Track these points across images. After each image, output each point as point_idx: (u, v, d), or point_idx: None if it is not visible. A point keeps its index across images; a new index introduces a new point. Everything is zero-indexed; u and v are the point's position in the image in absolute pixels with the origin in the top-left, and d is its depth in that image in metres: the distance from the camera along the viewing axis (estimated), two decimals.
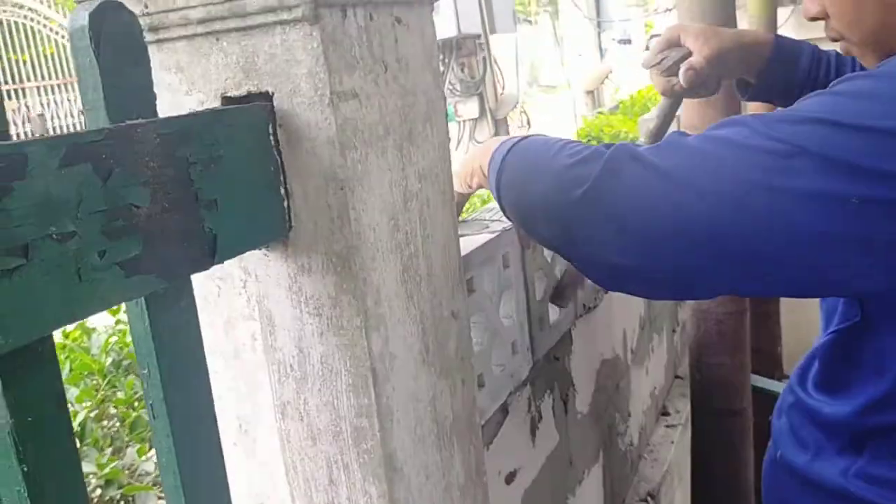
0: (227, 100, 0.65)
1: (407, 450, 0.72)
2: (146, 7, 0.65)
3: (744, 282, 0.76)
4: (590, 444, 1.49)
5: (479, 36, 6.46)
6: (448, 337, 0.80)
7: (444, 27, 5.67)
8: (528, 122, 10.14)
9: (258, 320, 0.71)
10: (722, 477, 1.70)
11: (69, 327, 1.51)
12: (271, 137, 0.64)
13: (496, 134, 6.83)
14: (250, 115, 0.63)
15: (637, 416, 1.89)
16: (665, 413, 2.14)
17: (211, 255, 0.57)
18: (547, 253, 1.25)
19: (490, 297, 1.05)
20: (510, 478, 1.11)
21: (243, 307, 0.71)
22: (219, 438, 0.60)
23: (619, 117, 4.49)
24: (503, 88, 7.38)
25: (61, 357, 1.45)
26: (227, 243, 0.59)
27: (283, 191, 0.65)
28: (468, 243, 1.02)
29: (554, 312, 1.29)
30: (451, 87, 6.51)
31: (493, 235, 1.06)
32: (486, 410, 1.02)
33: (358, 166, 0.65)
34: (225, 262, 0.68)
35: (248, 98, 0.64)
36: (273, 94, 0.63)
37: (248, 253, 0.69)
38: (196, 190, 0.55)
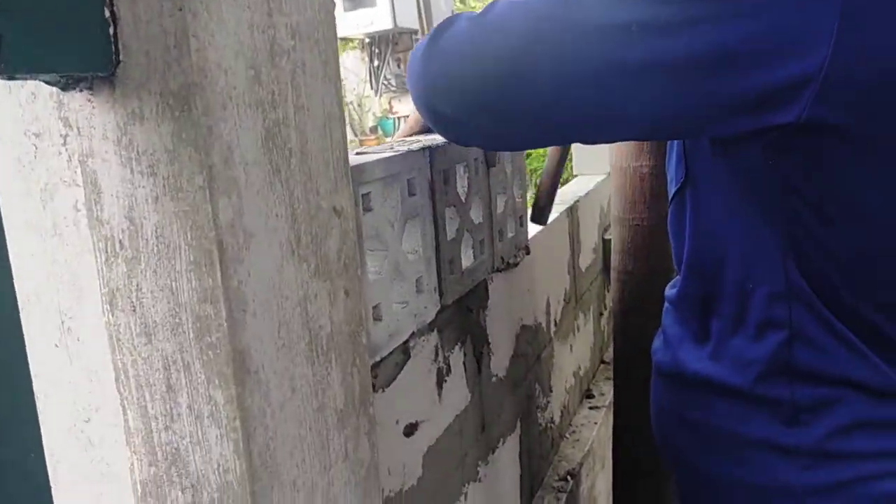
0: None
1: (267, 353, 0.60)
2: None
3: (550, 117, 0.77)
4: (506, 411, 1.39)
5: (416, 31, 6.34)
6: (328, 234, 0.68)
7: (380, 20, 5.55)
8: None
9: (82, 186, 0.58)
10: (646, 457, 1.61)
11: None
12: None
13: None
14: None
15: (559, 394, 1.80)
16: (589, 395, 2.05)
17: None
18: (461, 190, 1.14)
19: (391, 222, 0.94)
20: (410, 430, 0.99)
21: (64, 170, 0.58)
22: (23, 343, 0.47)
23: None
24: None
25: None
26: (21, 50, 0.46)
27: (107, 14, 0.53)
28: (365, 158, 0.90)
29: (467, 259, 1.19)
30: (385, 83, 6.39)
31: (394, 153, 0.95)
32: (382, 346, 0.90)
33: None
34: (41, 114, 0.56)
35: None
36: None
37: (69, 100, 0.56)
38: None
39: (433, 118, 0.84)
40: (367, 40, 6.04)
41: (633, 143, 1.37)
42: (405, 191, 0.97)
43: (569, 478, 1.64)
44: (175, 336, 0.57)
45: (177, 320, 0.57)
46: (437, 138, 1.10)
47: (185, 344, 0.57)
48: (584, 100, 0.72)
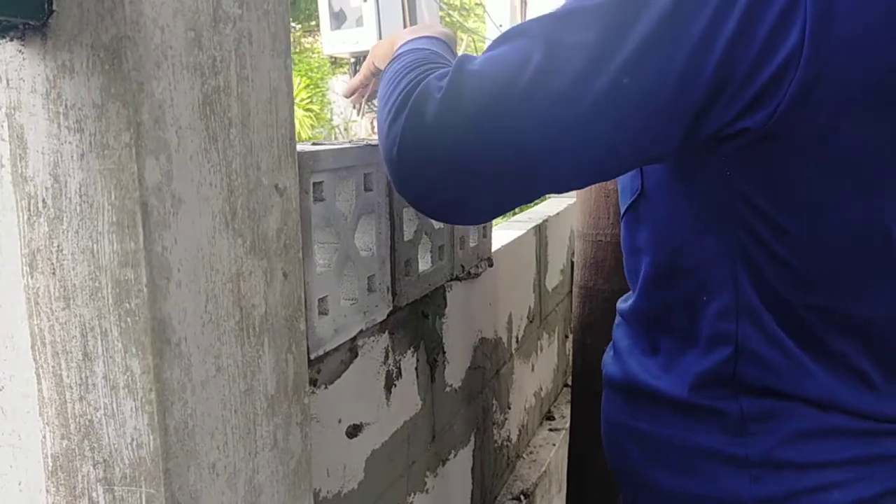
0: None
1: (191, 326, 0.58)
2: None
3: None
4: (460, 423, 1.36)
5: None
6: (267, 211, 0.66)
7: (366, 40, 5.56)
8: None
9: (7, 141, 0.56)
10: (601, 475, 1.58)
11: None
12: None
13: None
14: None
15: (518, 412, 1.77)
16: (550, 417, 2.02)
17: None
18: None
19: (344, 215, 0.92)
20: (353, 431, 0.97)
21: None
22: None
23: None
24: None
25: None
26: None
27: None
28: (320, 147, 0.89)
29: (425, 262, 1.17)
30: (369, 105, 6.38)
31: (353, 145, 0.93)
32: (326, 341, 0.88)
33: None
34: None
35: None
36: None
37: None
38: None
39: (400, 186, 0.75)
40: (352, 60, 6.03)
41: None
42: (361, 185, 0.95)
43: (522, 497, 1.61)
44: (94, 301, 0.55)
45: (96, 284, 0.55)
46: None
47: (103, 310, 0.55)
48: (577, 154, 0.69)
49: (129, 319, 0.54)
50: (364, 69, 1.15)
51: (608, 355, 1.00)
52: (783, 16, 0.65)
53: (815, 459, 0.79)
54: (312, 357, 0.85)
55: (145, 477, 0.57)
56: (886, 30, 0.68)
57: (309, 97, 15.31)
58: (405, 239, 1.08)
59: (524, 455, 1.82)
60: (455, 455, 1.34)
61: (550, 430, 1.96)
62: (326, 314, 0.89)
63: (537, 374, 1.93)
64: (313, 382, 0.87)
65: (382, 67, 1.05)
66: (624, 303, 0.99)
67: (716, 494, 0.82)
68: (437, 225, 1.19)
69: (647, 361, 0.90)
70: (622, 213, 0.94)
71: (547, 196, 2.64)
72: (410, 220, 1.11)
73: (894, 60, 0.69)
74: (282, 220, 0.69)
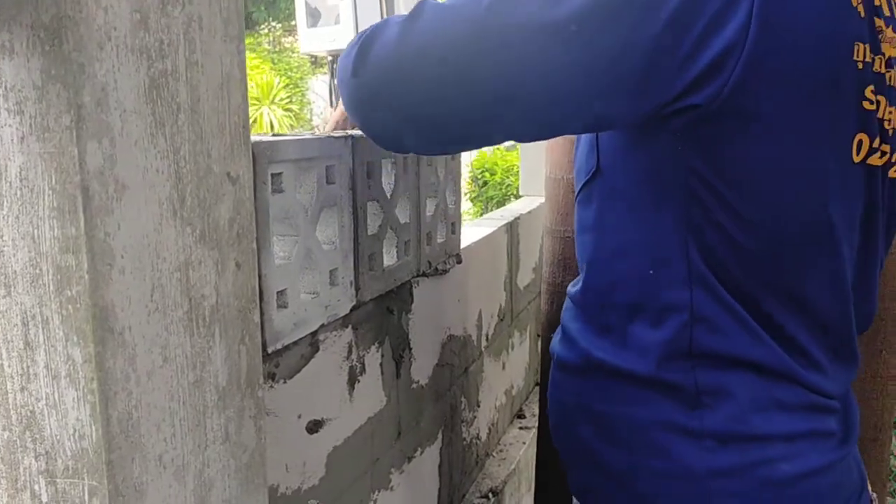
0: None
1: (135, 314, 0.57)
2: None
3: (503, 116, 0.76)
4: (427, 420, 1.35)
5: None
6: (218, 200, 0.65)
7: (342, 38, 5.54)
8: None
9: None
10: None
11: None
12: None
13: None
14: None
15: (488, 410, 1.77)
16: (521, 415, 2.02)
17: None
18: (386, 186, 1.12)
19: (304, 207, 0.91)
20: (314, 427, 0.96)
21: None
22: None
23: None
24: None
25: None
26: None
27: None
28: (280, 137, 0.88)
29: (390, 257, 1.16)
30: None
31: (314, 136, 0.92)
32: (284, 334, 0.87)
33: None
34: None
35: None
36: None
37: None
38: None
39: (365, 123, 0.82)
40: (329, 58, 6.02)
41: (566, 154, 1.37)
42: (323, 178, 0.94)
43: (491, 495, 1.60)
44: (35, 288, 0.54)
45: (37, 271, 0.53)
46: None
47: (44, 297, 0.54)
48: (531, 94, 0.73)
49: (70, 307, 0.53)
50: (338, 114, 1.14)
51: (556, 339, 1.03)
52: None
53: (766, 432, 0.82)
54: (270, 351, 0.84)
55: (88, 469, 0.56)
56: (825, 19, 0.73)
57: (288, 97, 15.25)
58: (369, 233, 1.07)
59: (494, 453, 1.81)
60: (422, 452, 1.34)
61: (521, 428, 1.96)
62: (286, 307, 0.88)
63: (508, 373, 1.93)
64: (271, 376, 0.86)
65: None
66: (574, 287, 1.01)
67: (669, 468, 0.85)
68: (402, 220, 1.19)
69: (601, 340, 0.92)
70: (577, 193, 0.97)
71: (521, 194, 2.64)
72: (375, 215, 1.10)
73: (830, 50, 0.74)
74: (234, 209, 0.67)
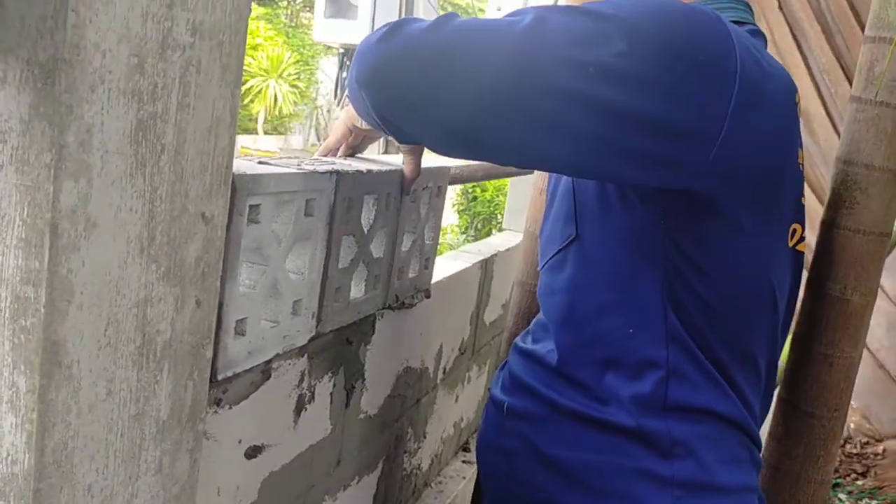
0: None
1: (86, 349, 0.57)
2: None
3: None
4: (369, 450, 1.36)
5: None
6: (189, 239, 0.66)
7: (357, 33, 5.54)
8: None
9: None
10: None
11: None
12: None
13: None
14: None
15: (434, 442, 1.78)
16: (466, 448, 2.03)
17: None
18: (365, 221, 1.13)
19: (278, 238, 0.91)
20: (253, 452, 0.96)
21: None
22: None
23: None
24: None
25: None
26: None
27: None
28: (263, 169, 0.88)
29: (358, 290, 1.17)
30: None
31: (297, 171, 0.93)
32: (237, 363, 0.87)
33: None
34: None
35: None
36: None
37: None
38: None
39: (379, 87, 0.85)
40: (341, 50, 6.03)
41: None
42: (301, 210, 0.95)
43: None
44: None
45: None
46: (352, 163, 1.09)
47: None
48: (536, 115, 0.76)
49: (22, 336, 0.54)
50: (341, 126, 1.13)
51: (501, 386, 1.09)
52: (713, 95, 0.76)
53: (727, 483, 0.91)
54: (220, 378, 0.84)
55: (15, 494, 0.56)
56: (781, 128, 0.85)
57: (297, 73, 15.19)
58: (340, 266, 1.08)
59: (433, 484, 1.82)
60: (359, 481, 1.34)
61: (464, 461, 1.97)
62: (243, 335, 0.88)
63: (460, 405, 1.94)
64: (217, 402, 0.86)
65: (360, 126, 1.07)
66: (535, 344, 1.06)
67: None
68: (376, 254, 1.20)
69: (570, 391, 0.97)
70: (548, 259, 1.03)
71: (504, 227, 2.66)
72: (349, 248, 1.11)
73: (785, 153, 0.87)
74: (203, 248, 0.68)
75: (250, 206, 0.85)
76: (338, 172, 1.01)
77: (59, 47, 0.50)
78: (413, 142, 0.94)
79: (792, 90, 0.89)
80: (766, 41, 0.95)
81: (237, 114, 0.70)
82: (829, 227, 1.22)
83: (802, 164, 0.94)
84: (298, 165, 0.98)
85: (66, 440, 0.57)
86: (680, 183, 0.82)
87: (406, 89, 0.82)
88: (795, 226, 0.94)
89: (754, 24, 0.93)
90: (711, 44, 0.76)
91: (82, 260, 0.55)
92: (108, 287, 0.58)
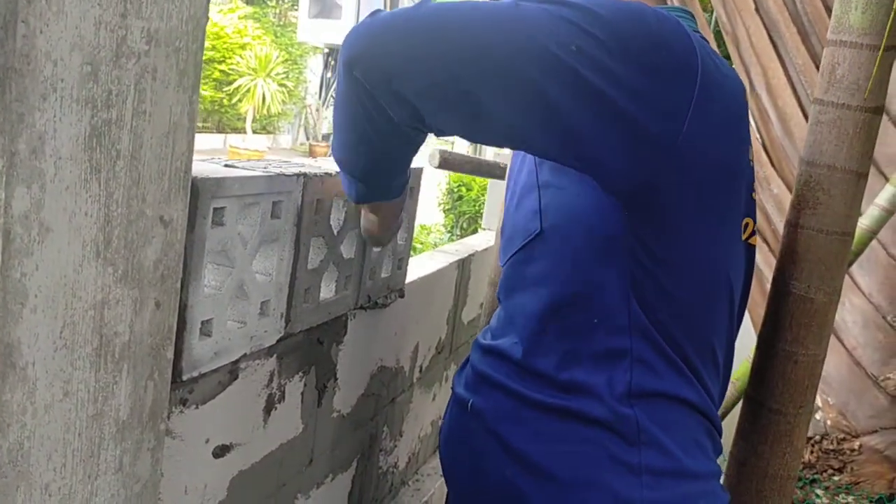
0: None
1: (41, 351, 0.58)
2: None
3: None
4: (343, 448, 1.38)
5: None
6: (147, 242, 0.67)
7: (342, 33, 5.56)
8: None
9: None
10: None
11: None
12: None
13: None
14: None
15: (411, 440, 1.79)
16: None
17: None
18: (335, 223, 1.14)
19: (244, 241, 0.93)
20: (221, 451, 0.97)
21: None
22: None
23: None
24: None
25: None
26: None
27: None
28: (228, 172, 0.89)
29: (328, 291, 1.18)
30: (334, 96, 6.37)
31: (262, 173, 0.94)
32: (202, 363, 0.88)
33: None
34: None
35: None
36: None
37: None
38: None
39: (366, 50, 0.82)
40: (326, 50, 6.04)
41: None
42: (268, 213, 0.96)
43: None
44: None
45: None
46: (321, 165, 1.10)
47: None
48: (527, 82, 0.76)
49: None
50: (361, 217, 1.18)
51: (465, 383, 1.12)
52: (680, 79, 0.81)
53: (693, 469, 0.94)
54: (185, 378, 0.85)
55: None
56: (733, 127, 0.89)
57: (286, 72, 15.18)
58: (309, 267, 1.09)
59: (410, 482, 1.84)
60: (332, 479, 1.36)
61: None
62: (209, 336, 0.89)
63: (437, 404, 1.96)
64: (183, 402, 0.88)
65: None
66: (497, 339, 1.08)
67: (607, 501, 0.92)
68: (347, 255, 1.21)
69: (536, 384, 0.99)
70: (511, 254, 1.05)
71: (483, 227, 2.68)
72: (319, 249, 1.12)
73: (737, 150, 0.91)
74: (162, 250, 0.69)
75: (214, 209, 0.86)
76: (305, 175, 1.02)
77: (8, 57, 0.51)
78: (389, 133, 0.89)
79: (742, 91, 0.93)
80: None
81: (196, 118, 0.71)
82: (793, 226, 1.24)
83: (752, 161, 0.99)
84: (265, 168, 0.99)
85: (21, 440, 0.59)
86: (647, 169, 0.84)
87: (402, 46, 0.80)
88: (748, 220, 0.99)
89: (699, 32, 0.96)
90: (678, 40, 0.82)
91: (36, 264, 0.56)
92: (64, 290, 0.59)
